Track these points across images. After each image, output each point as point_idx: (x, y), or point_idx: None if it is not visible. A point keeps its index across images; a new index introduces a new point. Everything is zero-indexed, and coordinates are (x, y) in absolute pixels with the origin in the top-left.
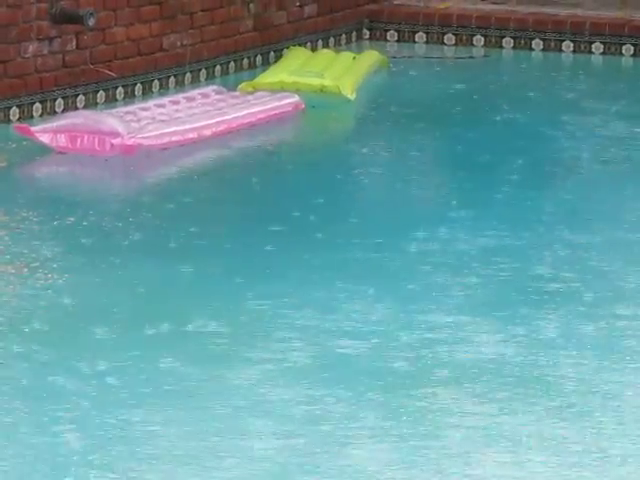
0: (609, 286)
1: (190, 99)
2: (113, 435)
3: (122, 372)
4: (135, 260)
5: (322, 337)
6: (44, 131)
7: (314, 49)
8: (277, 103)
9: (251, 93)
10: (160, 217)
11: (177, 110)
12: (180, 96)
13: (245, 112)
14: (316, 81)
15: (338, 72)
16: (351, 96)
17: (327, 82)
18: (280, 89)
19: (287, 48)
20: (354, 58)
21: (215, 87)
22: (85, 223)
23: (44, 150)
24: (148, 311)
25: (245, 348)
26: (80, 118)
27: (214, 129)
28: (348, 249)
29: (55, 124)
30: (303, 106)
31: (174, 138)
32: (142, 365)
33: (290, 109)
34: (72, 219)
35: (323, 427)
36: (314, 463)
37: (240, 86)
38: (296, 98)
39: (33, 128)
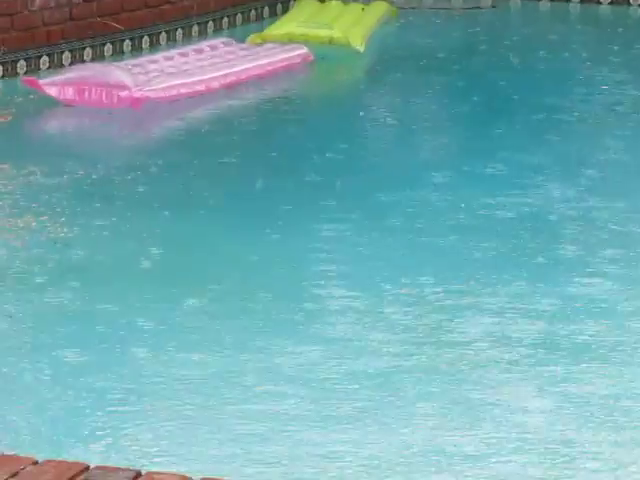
0: None
1: (199, 51)
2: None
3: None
4: (144, 213)
5: None
6: (52, 84)
7: (321, 1)
8: (286, 55)
9: (260, 45)
10: (167, 169)
11: (185, 62)
12: (189, 48)
13: (253, 64)
14: (325, 32)
15: (347, 23)
16: (360, 47)
17: (336, 33)
18: (289, 41)
19: (295, 0)
20: (363, 9)
21: (224, 39)
22: (94, 176)
23: (51, 103)
24: (160, 266)
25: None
26: (88, 71)
27: (222, 81)
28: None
29: (63, 77)
30: (312, 57)
31: (182, 90)
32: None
33: (299, 60)
34: (81, 172)
35: None
36: None
37: (249, 38)
38: (305, 50)
39: (41, 81)
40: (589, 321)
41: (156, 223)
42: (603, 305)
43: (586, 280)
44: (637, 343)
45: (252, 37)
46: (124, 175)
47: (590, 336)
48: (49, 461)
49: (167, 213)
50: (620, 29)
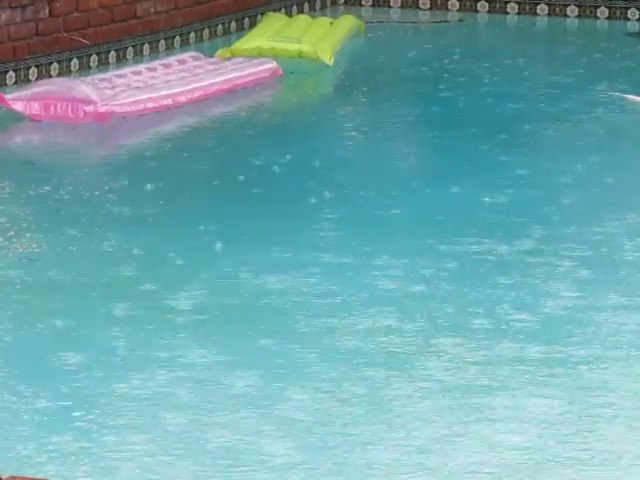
0: None
1: (167, 66)
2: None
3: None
4: (111, 227)
5: None
6: (17, 99)
7: (289, 15)
8: (254, 69)
9: (229, 59)
10: (133, 184)
11: (153, 77)
12: (157, 63)
13: (222, 78)
14: (294, 46)
15: (316, 37)
16: (329, 61)
17: (305, 47)
18: (258, 55)
19: (262, 14)
20: (331, 23)
21: (193, 53)
22: (61, 191)
23: (18, 118)
24: (128, 281)
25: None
26: (53, 85)
27: (189, 95)
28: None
29: (29, 92)
30: (281, 71)
31: (148, 105)
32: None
33: (268, 75)
34: (47, 188)
35: None
36: None
37: (218, 52)
38: (274, 64)
39: (6, 96)
40: None
41: (122, 238)
42: None
43: None
44: None
45: (221, 51)
46: (91, 190)
47: None
48: None
49: (133, 228)
50: (586, 42)
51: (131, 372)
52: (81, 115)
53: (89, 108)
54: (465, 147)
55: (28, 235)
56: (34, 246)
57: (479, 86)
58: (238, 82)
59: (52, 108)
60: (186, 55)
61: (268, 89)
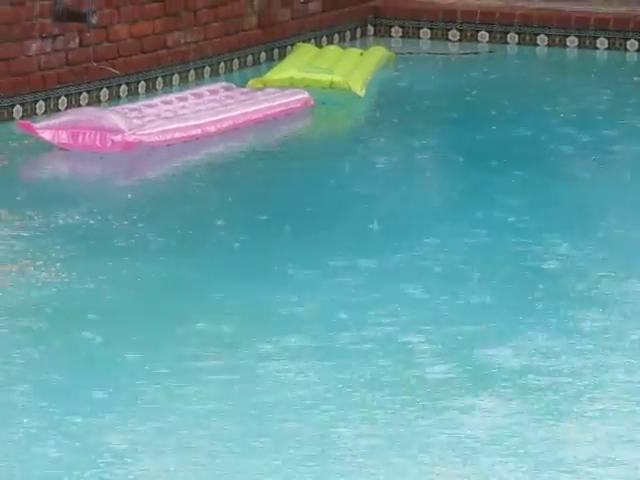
0: None
1: (198, 96)
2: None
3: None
4: (142, 257)
5: None
6: (46, 127)
7: (319, 46)
8: (285, 99)
9: (260, 89)
10: (162, 214)
11: (183, 107)
12: (188, 92)
13: (252, 108)
14: (325, 77)
15: (347, 68)
16: (360, 92)
17: (336, 78)
18: (290, 85)
19: (291, 45)
20: (361, 54)
21: (224, 84)
22: (91, 221)
23: (46, 147)
24: (154, 310)
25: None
26: (82, 115)
27: (219, 125)
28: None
29: (57, 121)
30: (312, 102)
31: (177, 135)
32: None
33: (299, 105)
34: (77, 217)
35: None
36: None
37: (249, 82)
38: (305, 94)
39: (35, 125)
40: None
41: (153, 268)
42: None
43: None
44: None
45: (253, 81)
46: (120, 220)
47: None
48: None
49: (163, 258)
50: (616, 74)
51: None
52: (109, 144)
53: (117, 137)
54: (494, 180)
55: (57, 265)
56: (63, 275)
57: (508, 118)
58: (269, 112)
59: (80, 137)
60: (218, 85)
61: (299, 120)
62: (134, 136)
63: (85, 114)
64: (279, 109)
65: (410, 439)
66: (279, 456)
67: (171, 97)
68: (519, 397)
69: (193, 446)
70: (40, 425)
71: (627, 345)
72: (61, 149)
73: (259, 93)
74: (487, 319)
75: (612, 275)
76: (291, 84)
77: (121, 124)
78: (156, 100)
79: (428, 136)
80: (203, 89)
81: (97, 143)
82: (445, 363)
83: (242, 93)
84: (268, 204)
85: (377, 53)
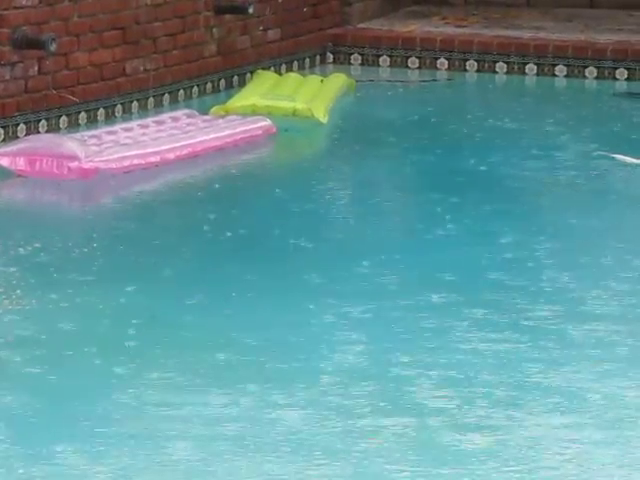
0: None
1: (160, 122)
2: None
3: None
4: (100, 286)
5: None
6: (4, 154)
7: (278, 73)
8: (247, 127)
9: (223, 117)
10: (120, 241)
11: (144, 134)
12: (149, 120)
13: (212, 136)
14: (288, 104)
15: (309, 95)
16: (323, 119)
17: (299, 105)
18: (252, 112)
19: (251, 72)
20: (322, 81)
21: (187, 111)
22: (50, 249)
23: (5, 173)
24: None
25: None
26: (40, 141)
27: (178, 153)
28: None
29: (15, 147)
30: (274, 129)
31: (135, 162)
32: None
33: (260, 132)
34: (35, 244)
35: None
36: None
37: (212, 110)
38: (267, 122)
39: None
40: None
41: (112, 296)
42: None
43: None
44: None
45: (215, 109)
46: (78, 247)
47: None
48: None
49: (122, 286)
50: (574, 101)
51: None
52: (65, 171)
53: (73, 164)
54: (454, 210)
55: (17, 292)
56: (23, 303)
57: (468, 145)
58: (229, 140)
59: (37, 164)
60: (180, 112)
61: (261, 147)
62: (91, 163)
63: (43, 141)
64: (240, 136)
65: None
66: None
67: (132, 124)
68: None
69: None
70: None
71: None
72: (19, 175)
73: (220, 120)
74: None
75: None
76: (253, 111)
77: (78, 151)
78: (116, 127)
79: (390, 163)
80: (165, 116)
81: (54, 170)
82: None
83: (204, 120)
84: (227, 230)
85: (337, 80)
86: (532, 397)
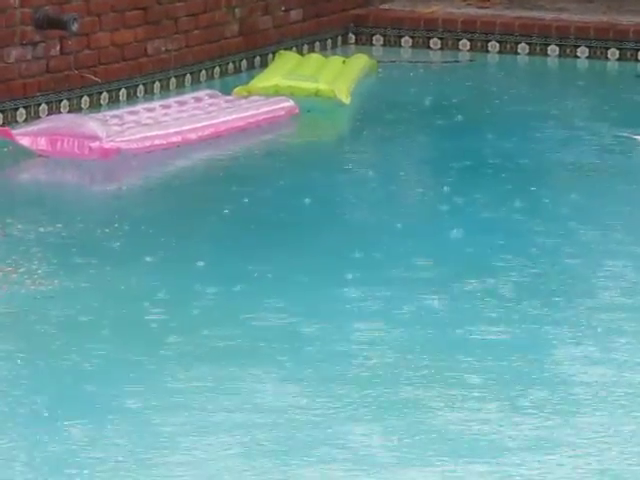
0: None
1: (182, 103)
2: None
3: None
4: (123, 266)
5: None
6: (24, 134)
7: (300, 54)
8: (269, 107)
9: (245, 97)
10: (137, 223)
11: (165, 114)
12: (172, 100)
13: (234, 116)
14: (311, 85)
15: (331, 76)
16: (346, 100)
17: (322, 86)
18: (275, 93)
19: (273, 53)
20: (344, 62)
21: (209, 91)
22: (71, 229)
23: (26, 154)
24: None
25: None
26: (61, 121)
27: (200, 133)
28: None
29: (36, 127)
30: (297, 110)
31: (156, 142)
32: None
33: (283, 113)
34: (57, 224)
35: None
36: None
37: (235, 90)
38: (290, 102)
39: (14, 131)
40: None
41: (135, 276)
42: None
43: None
44: None
45: (238, 89)
46: (101, 227)
47: None
48: None
49: (145, 266)
50: (596, 82)
51: None
52: (86, 151)
53: (94, 144)
54: (475, 189)
55: (39, 272)
56: (46, 283)
57: (490, 127)
58: (252, 120)
59: (59, 144)
60: (202, 93)
61: (283, 128)
62: (112, 143)
63: (64, 121)
64: (263, 117)
65: None
66: None
67: (154, 104)
68: None
69: None
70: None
71: None
72: (40, 155)
73: (243, 101)
74: None
75: None
76: (276, 92)
77: (99, 131)
78: (138, 107)
79: (411, 145)
80: (187, 97)
81: (75, 150)
82: None
83: (226, 101)
84: (249, 212)
85: (359, 61)
86: None
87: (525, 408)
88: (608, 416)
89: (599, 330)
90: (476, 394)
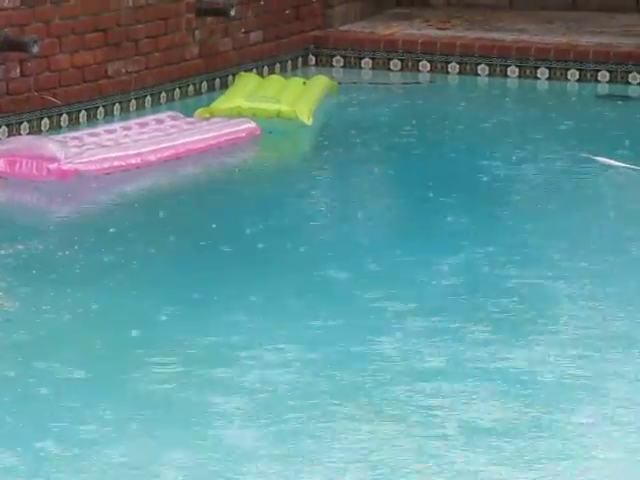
0: None
1: (143, 125)
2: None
3: None
4: (82, 287)
5: None
6: None
7: (260, 75)
8: (231, 129)
9: (207, 119)
10: (96, 245)
11: (126, 136)
12: (133, 122)
13: (195, 138)
14: (273, 106)
15: (292, 97)
16: (308, 121)
17: (284, 107)
18: (237, 114)
19: (233, 75)
20: (304, 83)
21: (171, 113)
22: (33, 251)
23: None
24: (96, 339)
25: None
26: (20, 143)
27: (159, 155)
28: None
29: None
30: (259, 132)
31: (116, 163)
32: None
33: (245, 135)
34: (17, 246)
35: None
36: None
37: (197, 112)
38: (252, 124)
39: None
40: None
41: (94, 298)
42: None
43: None
44: None
45: (200, 111)
46: (61, 249)
47: None
48: None
49: (103, 288)
50: (556, 103)
51: None
52: (45, 173)
53: (52, 166)
54: (438, 211)
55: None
56: (4, 305)
57: (451, 147)
58: (213, 142)
59: (17, 165)
60: (164, 115)
61: (245, 149)
62: (70, 165)
63: (23, 142)
64: (224, 138)
65: None
66: None
67: (115, 126)
68: None
69: None
70: None
71: None
72: None
73: (204, 123)
74: None
75: None
76: (238, 113)
77: (58, 153)
78: (99, 129)
79: (373, 165)
80: (149, 118)
81: (34, 171)
82: None
83: (187, 122)
84: (208, 233)
85: (320, 82)
86: None
87: None
88: None
89: None
90: None
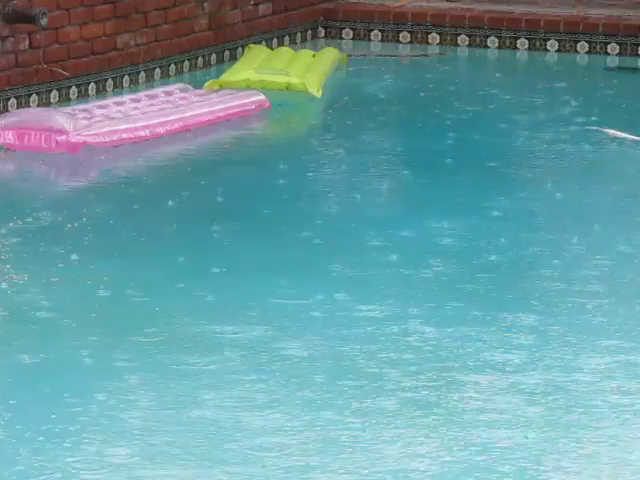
0: None
1: (152, 97)
2: None
3: None
4: (91, 258)
5: None
6: None
7: (269, 47)
8: (240, 101)
9: (216, 91)
10: (105, 217)
11: (135, 108)
12: (142, 94)
13: (204, 110)
14: (282, 79)
15: (302, 69)
16: (317, 94)
17: (293, 80)
18: (246, 87)
19: (242, 47)
20: (314, 56)
21: (180, 85)
22: (40, 223)
23: None
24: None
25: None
26: (28, 115)
27: (168, 127)
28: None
29: (4, 121)
30: (268, 104)
31: (124, 136)
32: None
33: (254, 107)
34: (27, 218)
35: None
36: None
37: (206, 84)
38: (261, 96)
39: None
40: None
41: (103, 269)
42: None
43: None
44: None
45: (209, 83)
46: (70, 221)
47: None
48: None
49: (112, 259)
50: (566, 76)
51: None
52: (53, 145)
53: (61, 138)
54: (444, 182)
55: (7, 266)
56: (15, 277)
57: (459, 119)
58: (222, 114)
59: (26, 138)
60: (173, 87)
61: (254, 122)
62: (78, 137)
63: (32, 114)
64: (234, 111)
65: None
66: None
67: (124, 98)
68: None
69: None
70: None
71: None
72: (7, 150)
73: (213, 95)
74: None
75: None
76: (247, 86)
77: (67, 125)
78: (108, 101)
79: (381, 138)
80: (158, 90)
81: (42, 144)
82: None
83: (197, 94)
84: (216, 206)
85: (330, 54)
86: None
87: None
88: None
89: None
90: None
